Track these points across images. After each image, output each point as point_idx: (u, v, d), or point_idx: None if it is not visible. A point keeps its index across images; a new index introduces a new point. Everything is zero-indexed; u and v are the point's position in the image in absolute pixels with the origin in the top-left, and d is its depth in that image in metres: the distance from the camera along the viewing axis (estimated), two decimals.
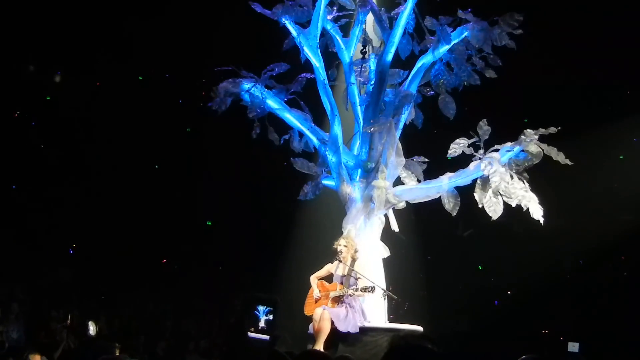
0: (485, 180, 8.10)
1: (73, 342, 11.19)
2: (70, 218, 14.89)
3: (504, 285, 16.77)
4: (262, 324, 5.68)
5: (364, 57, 9.13)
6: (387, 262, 8.76)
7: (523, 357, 4.94)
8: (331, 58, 9.43)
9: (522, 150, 8.02)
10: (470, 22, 8.44)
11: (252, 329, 5.64)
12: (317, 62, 9.11)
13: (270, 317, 5.75)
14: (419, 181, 8.88)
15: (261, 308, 5.76)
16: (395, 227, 8.81)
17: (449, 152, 8.22)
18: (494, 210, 7.99)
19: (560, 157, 7.95)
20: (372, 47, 9.18)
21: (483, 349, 14.23)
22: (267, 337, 5.63)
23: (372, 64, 9.05)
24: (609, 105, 14.76)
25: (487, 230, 12.21)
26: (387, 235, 8.90)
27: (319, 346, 7.45)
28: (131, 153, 15.29)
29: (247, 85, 9.01)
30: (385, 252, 8.72)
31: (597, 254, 15.54)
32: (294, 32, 9.11)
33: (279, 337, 7.40)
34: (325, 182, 9.13)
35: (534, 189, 8.08)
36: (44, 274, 13.92)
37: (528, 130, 7.97)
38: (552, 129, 7.88)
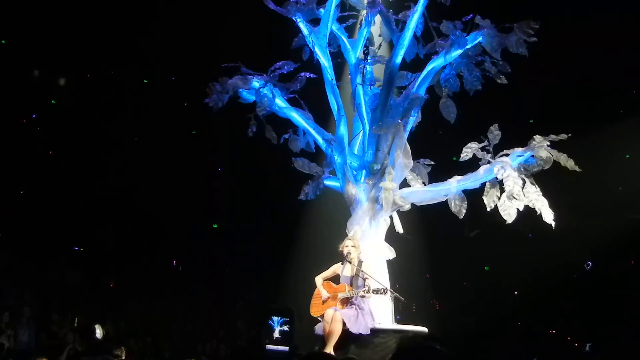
0: (494, 184, 8.12)
1: (80, 345, 11.22)
2: (77, 221, 14.92)
3: (511, 286, 16.75)
4: (276, 334, 5.66)
5: (365, 59, 9.12)
6: (393, 263, 8.73)
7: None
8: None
9: (532, 156, 8.02)
10: (485, 28, 8.42)
11: (268, 341, 5.61)
12: (325, 61, 9.11)
13: (286, 327, 5.73)
14: (424, 183, 8.88)
15: (276, 319, 5.74)
16: (399, 228, 8.79)
17: (462, 155, 8.22)
18: (508, 213, 8.01)
19: (569, 163, 7.97)
20: (369, 48, 9.17)
21: (490, 349, 14.21)
22: (285, 348, 5.60)
23: (369, 66, 9.05)
24: (615, 105, 14.74)
25: (493, 231, 12.19)
26: (392, 237, 8.88)
27: (330, 348, 7.42)
28: (136, 156, 15.33)
29: (257, 83, 9.00)
30: (390, 253, 8.70)
31: (605, 253, 15.52)
32: (305, 31, 9.10)
33: (298, 347, 7.36)
34: (330, 183, 9.11)
35: (542, 188, 8.09)
36: (51, 278, 13.95)
37: (537, 135, 7.97)
38: (563, 136, 7.90)
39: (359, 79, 9.02)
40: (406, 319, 10.23)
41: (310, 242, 13.76)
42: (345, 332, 7.55)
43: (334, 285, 8.14)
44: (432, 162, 9.11)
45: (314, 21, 9.19)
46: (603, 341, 13.34)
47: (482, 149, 8.18)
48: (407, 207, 8.77)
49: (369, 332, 7.67)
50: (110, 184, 15.27)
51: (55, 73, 15.42)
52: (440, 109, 8.86)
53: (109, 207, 15.26)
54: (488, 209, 8.14)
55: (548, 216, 8.00)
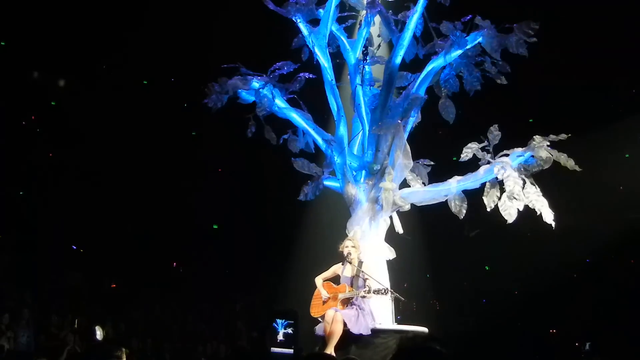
0: (494, 184, 8.13)
1: (80, 347, 11.22)
2: (78, 222, 14.92)
3: (511, 286, 16.75)
4: (280, 337, 5.65)
5: (365, 59, 9.11)
6: (393, 263, 8.73)
7: None
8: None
9: (532, 156, 8.04)
10: (485, 29, 8.42)
11: (272, 343, 5.61)
12: (325, 62, 9.10)
13: (290, 330, 5.72)
14: (423, 184, 8.89)
15: (280, 321, 5.73)
16: (399, 229, 8.80)
17: (462, 155, 8.24)
18: (509, 213, 8.03)
19: (569, 163, 7.99)
20: (368, 48, 9.16)
21: (490, 349, 14.20)
22: (290, 350, 5.60)
23: (367, 66, 9.06)
24: (614, 104, 14.75)
25: (493, 230, 12.18)
26: (392, 237, 8.88)
27: (331, 349, 7.41)
28: (137, 157, 15.32)
29: (256, 83, 8.99)
30: (390, 253, 8.70)
31: (604, 253, 15.52)
32: (305, 32, 9.10)
33: (302, 349, 7.37)
34: (329, 183, 9.11)
35: (541, 188, 8.10)
36: (51, 279, 13.95)
37: (537, 136, 7.99)
38: (563, 136, 7.92)
39: (358, 80, 9.02)
40: (406, 319, 10.24)
41: (310, 243, 13.76)
42: (346, 332, 7.55)
43: (334, 285, 8.14)
44: (432, 163, 9.14)
45: (313, 22, 9.19)
46: (603, 341, 13.35)
47: (482, 149, 8.20)
48: (407, 207, 8.78)
49: (370, 333, 7.67)
50: (110, 185, 15.25)
51: (55, 74, 15.41)
52: (439, 109, 8.87)
53: (109, 208, 15.24)
54: (488, 209, 8.16)
55: (548, 216, 8.02)
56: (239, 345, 14.35)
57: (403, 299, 8.07)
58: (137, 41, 14.41)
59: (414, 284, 13.25)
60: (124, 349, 7.15)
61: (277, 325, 5.71)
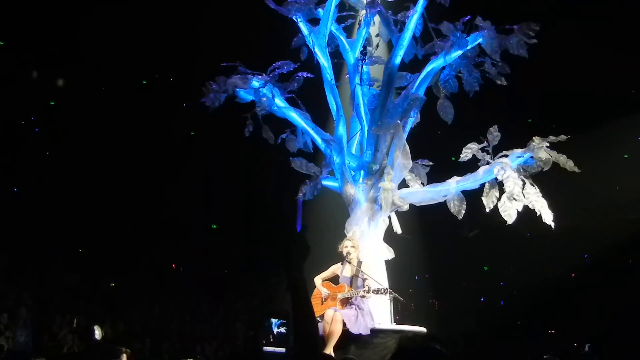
0: (493, 185, 8.14)
1: (78, 346, 11.20)
2: (76, 222, 14.90)
3: (510, 285, 16.76)
4: (273, 336, 5.66)
5: (363, 59, 9.09)
6: (391, 263, 8.72)
7: (545, 356, 4.96)
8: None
9: (531, 157, 8.05)
10: (485, 29, 8.42)
11: (265, 342, 5.61)
12: (325, 61, 9.09)
13: (283, 329, 5.72)
14: (422, 184, 8.88)
15: (273, 320, 5.73)
16: (398, 229, 8.79)
17: (461, 156, 8.24)
18: (509, 214, 8.03)
19: (568, 164, 8.00)
20: (366, 48, 9.16)
21: (489, 349, 14.21)
22: (282, 349, 5.60)
23: (365, 66, 9.06)
24: (613, 105, 14.76)
25: (492, 231, 12.17)
26: (391, 237, 8.87)
27: (330, 349, 7.40)
28: (135, 156, 15.31)
29: (256, 82, 8.98)
30: (389, 253, 8.69)
31: (603, 253, 15.53)
32: (305, 31, 9.09)
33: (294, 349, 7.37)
34: (328, 183, 9.10)
35: (541, 189, 8.11)
36: (50, 279, 13.92)
37: (536, 137, 7.99)
38: (562, 137, 7.93)
39: (357, 79, 9.01)
40: (405, 319, 10.23)
41: (309, 243, 13.71)
42: (345, 332, 7.54)
43: (333, 285, 8.13)
44: (431, 163, 9.13)
45: (312, 21, 9.18)
46: (602, 341, 13.34)
47: (482, 149, 8.20)
48: (406, 207, 8.78)
49: (369, 333, 7.66)
50: (109, 185, 15.23)
51: (54, 74, 15.39)
52: (437, 109, 8.87)
53: (108, 208, 15.23)
54: (487, 210, 8.16)
55: (547, 217, 8.03)
56: (236, 346, 14.36)
57: (402, 298, 8.07)
58: (136, 41, 14.40)
59: (413, 284, 13.23)
60: (123, 349, 7.13)
61: (271, 324, 5.71)
